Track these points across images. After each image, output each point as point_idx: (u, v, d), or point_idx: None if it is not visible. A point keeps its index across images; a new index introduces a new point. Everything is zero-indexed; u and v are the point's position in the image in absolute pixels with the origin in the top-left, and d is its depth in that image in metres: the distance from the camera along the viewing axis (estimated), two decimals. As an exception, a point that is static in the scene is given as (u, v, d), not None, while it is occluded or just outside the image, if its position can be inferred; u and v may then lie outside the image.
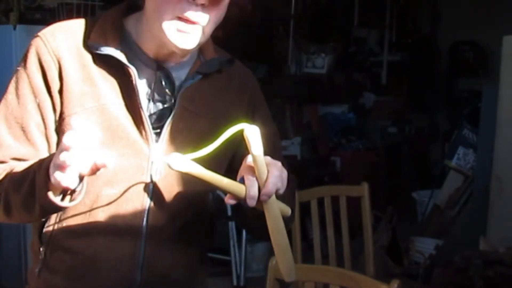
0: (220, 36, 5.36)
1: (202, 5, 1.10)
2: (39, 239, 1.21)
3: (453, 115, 5.50)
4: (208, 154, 1.06)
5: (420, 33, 6.30)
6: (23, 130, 1.15)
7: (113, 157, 1.03)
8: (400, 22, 6.11)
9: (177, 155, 1.02)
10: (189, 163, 1.03)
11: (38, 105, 1.15)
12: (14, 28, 3.08)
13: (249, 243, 3.73)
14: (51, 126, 1.16)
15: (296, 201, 1.35)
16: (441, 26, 6.28)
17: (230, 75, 1.27)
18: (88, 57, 1.16)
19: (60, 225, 1.18)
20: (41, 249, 1.21)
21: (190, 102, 1.21)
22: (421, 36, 6.28)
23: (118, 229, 1.17)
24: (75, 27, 1.19)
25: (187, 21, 1.11)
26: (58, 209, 1.08)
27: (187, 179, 1.16)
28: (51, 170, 1.01)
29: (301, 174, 4.28)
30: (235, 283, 3.66)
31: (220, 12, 1.14)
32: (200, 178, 1.05)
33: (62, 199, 1.05)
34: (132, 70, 1.15)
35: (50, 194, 1.03)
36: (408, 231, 3.93)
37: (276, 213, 1.08)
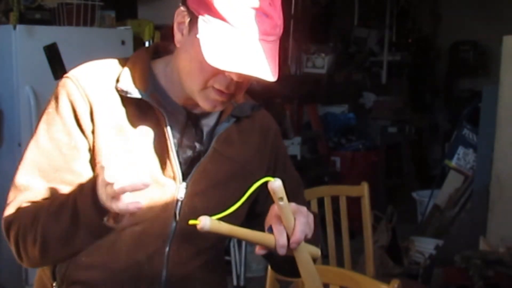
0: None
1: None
2: (52, 275, 1.21)
3: (453, 115, 5.51)
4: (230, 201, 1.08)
5: (420, 33, 6.30)
6: (58, 173, 1.14)
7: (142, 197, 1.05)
8: (400, 22, 6.11)
9: (205, 218, 1.00)
10: (217, 223, 1.02)
11: (74, 147, 1.14)
12: (14, 28, 3.08)
13: (249, 243, 3.73)
14: (86, 165, 1.16)
15: (320, 236, 1.35)
16: (441, 26, 6.28)
17: (253, 119, 1.29)
18: (117, 100, 1.16)
19: (78, 259, 1.17)
20: (53, 284, 1.20)
21: (222, 145, 1.23)
22: (421, 36, 6.29)
23: (140, 263, 1.18)
24: (104, 69, 1.19)
25: (221, 92, 1.12)
26: (105, 232, 1.09)
27: None
28: (105, 200, 1.01)
29: (301, 174, 4.28)
30: (235, 283, 3.66)
31: (251, 79, 1.14)
32: (230, 235, 1.05)
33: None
34: (164, 115, 1.15)
35: (96, 216, 1.04)
36: (408, 231, 3.93)
37: (306, 257, 1.10)
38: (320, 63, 5.20)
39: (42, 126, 1.16)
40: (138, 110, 1.16)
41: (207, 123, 1.23)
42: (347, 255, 2.45)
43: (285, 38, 5.17)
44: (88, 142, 1.15)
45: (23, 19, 3.15)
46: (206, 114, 1.22)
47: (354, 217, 2.57)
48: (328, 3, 5.61)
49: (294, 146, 4.52)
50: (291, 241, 1.04)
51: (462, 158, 4.24)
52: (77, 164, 1.15)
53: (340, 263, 2.42)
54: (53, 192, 1.14)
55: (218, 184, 1.22)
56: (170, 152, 1.16)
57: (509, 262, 2.71)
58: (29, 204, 1.14)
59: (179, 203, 1.19)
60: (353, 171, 4.82)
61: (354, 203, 2.49)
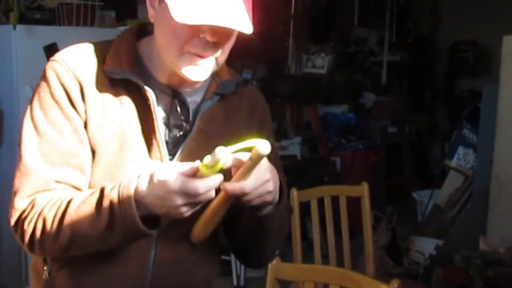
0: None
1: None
2: (43, 259, 1.21)
3: (453, 115, 5.51)
4: None
5: (420, 33, 6.30)
6: (63, 157, 1.13)
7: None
8: (400, 22, 6.11)
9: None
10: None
11: (75, 129, 1.14)
12: (14, 28, 3.08)
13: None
14: (88, 146, 1.15)
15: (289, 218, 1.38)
16: (441, 26, 6.28)
17: (240, 95, 1.28)
18: (105, 81, 1.15)
19: None
20: (44, 268, 1.20)
21: (207, 123, 1.22)
22: (421, 36, 6.29)
23: (128, 248, 1.18)
24: (90, 51, 1.19)
25: (199, 55, 1.11)
26: (144, 237, 1.10)
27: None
28: (173, 209, 1.03)
29: (301, 174, 4.29)
30: (235, 283, 3.66)
31: (232, 41, 1.14)
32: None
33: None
34: (150, 94, 1.15)
35: (140, 224, 1.05)
36: (408, 231, 3.93)
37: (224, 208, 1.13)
38: (320, 63, 5.20)
39: (37, 112, 1.14)
40: (125, 91, 1.16)
41: (194, 100, 1.23)
42: (347, 255, 2.45)
43: (285, 38, 5.17)
44: (83, 121, 1.15)
45: (23, 19, 3.15)
46: (192, 93, 1.22)
47: (354, 217, 2.57)
48: (328, 3, 5.60)
49: (294, 146, 4.52)
50: (239, 186, 1.06)
51: (462, 158, 4.24)
52: (81, 147, 1.14)
53: (340, 263, 2.42)
54: (63, 177, 1.13)
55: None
56: (157, 133, 1.16)
57: (509, 262, 2.71)
58: (44, 195, 1.12)
59: None
60: (353, 171, 4.82)
61: (354, 203, 2.49)
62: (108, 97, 1.15)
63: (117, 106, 1.15)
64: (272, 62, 4.98)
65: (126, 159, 1.15)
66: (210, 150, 1.18)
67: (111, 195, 1.07)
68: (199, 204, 1.05)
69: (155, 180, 1.03)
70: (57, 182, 1.13)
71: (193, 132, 1.20)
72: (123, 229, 1.06)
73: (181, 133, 1.21)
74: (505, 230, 3.12)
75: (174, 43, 1.10)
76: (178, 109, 1.20)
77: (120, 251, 1.17)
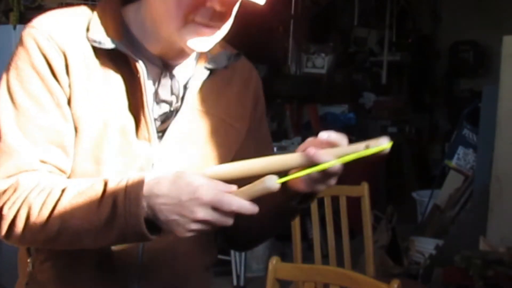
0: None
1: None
2: (27, 251, 1.14)
3: (453, 115, 5.50)
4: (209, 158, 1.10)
5: (420, 33, 6.30)
6: (44, 132, 1.01)
7: (111, 160, 1.02)
8: (400, 22, 6.12)
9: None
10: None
11: (58, 104, 1.02)
12: (14, 28, 3.08)
13: (249, 243, 3.72)
14: (71, 123, 1.03)
15: None
16: (441, 26, 6.28)
17: (233, 69, 1.17)
18: (89, 51, 1.04)
19: None
20: (28, 260, 1.14)
21: (197, 100, 1.12)
22: (421, 36, 6.29)
23: None
24: (72, 17, 1.06)
25: (206, 26, 1.01)
26: (143, 240, 0.98)
27: None
28: (189, 217, 0.92)
29: (301, 174, 4.28)
30: (235, 283, 3.66)
31: (233, 14, 1.06)
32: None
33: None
34: (141, 67, 1.03)
35: (144, 226, 0.94)
36: (408, 231, 3.93)
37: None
38: (320, 63, 5.20)
39: (14, 82, 1.01)
40: (111, 62, 1.04)
41: (184, 75, 1.12)
42: (347, 255, 2.45)
43: (285, 38, 5.17)
44: (67, 97, 1.02)
45: (23, 19, 3.15)
46: (182, 66, 1.11)
47: (354, 217, 2.57)
48: (328, 3, 5.61)
49: (294, 146, 4.51)
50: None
51: (462, 158, 4.24)
52: (64, 124, 1.02)
53: (340, 263, 2.42)
54: (47, 156, 1.01)
55: (197, 142, 1.12)
56: (146, 110, 1.05)
57: (509, 262, 2.71)
58: (28, 177, 0.99)
59: (153, 167, 1.08)
60: (353, 171, 4.81)
61: (354, 203, 2.49)
62: (93, 68, 1.03)
63: (102, 79, 1.04)
64: (272, 62, 4.98)
65: (111, 138, 1.04)
66: (202, 128, 1.12)
67: (117, 189, 0.95)
68: (212, 226, 0.93)
69: (183, 182, 0.92)
70: (42, 162, 1.00)
71: (183, 109, 1.09)
72: (122, 229, 0.95)
73: (171, 109, 1.10)
74: (505, 230, 3.12)
75: (177, 12, 0.99)
76: (169, 83, 1.09)
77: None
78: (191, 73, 1.12)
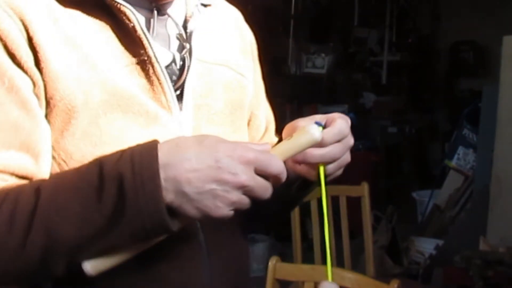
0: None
1: None
2: None
3: (453, 115, 5.50)
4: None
5: (420, 33, 6.30)
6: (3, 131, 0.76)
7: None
8: (400, 22, 6.11)
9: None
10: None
11: (14, 91, 0.76)
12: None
13: (249, 243, 3.72)
14: (38, 113, 0.77)
15: None
16: (441, 26, 6.28)
17: (216, 8, 0.99)
18: (57, 7, 0.80)
19: None
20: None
21: (201, 50, 0.91)
22: (421, 36, 6.28)
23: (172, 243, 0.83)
24: None
25: None
26: (164, 233, 0.72)
27: None
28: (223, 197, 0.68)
29: (301, 174, 4.28)
30: (235, 283, 3.66)
31: None
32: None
33: None
34: (133, 13, 0.81)
35: (165, 211, 0.68)
36: (408, 231, 3.93)
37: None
38: (320, 63, 5.20)
39: None
40: (93, 14, 0.82)
41: (179, 16, 0.91)
42: (347, 255, 2.45)
43: (285, 38, 5.17)
44: (34, 80, 0.76)
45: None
46: (173, 6, 0.89)
47: (354, 217, 2.57)
48: (328, 3, 5.61)
49: (294, 146, 4.51)
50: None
51: (462, 158, 4.24)
52: (25, 116, 0.76)
53: (340, 263, 2.42)
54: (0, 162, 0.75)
55: (218, 102, 0.91)
56: (157, 67, 0.82)
57: (509, 262, 2.71)
58: None
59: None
60: (353, 171, 4.81)
61: (354, 203, 2.49)
62: (68, 27, 0.79)
63: (86, 39, 0.80)
64: (272, 62, 4.98)
65: (119, 111, 0.79)
66: (218, 84, 0.92)
67: (119, 167, 0.68)
68: (252, 197, 0.70)
69: (213, 140, 0.70)
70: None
71: (192, 65, 0.88)
72: (135, 221, 0.68)
73: (180, 63, 0.87)
74: (505, 230, 3.12)
75: None
76: (165, 32, 0.88)
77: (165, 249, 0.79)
78: (184, 14, 0.92)
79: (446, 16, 6.21)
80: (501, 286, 2.63)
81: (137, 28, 0.82)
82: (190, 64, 0.88)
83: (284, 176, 0.72)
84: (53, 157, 0.80)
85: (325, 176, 0.84)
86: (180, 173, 0.68)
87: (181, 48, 0.90)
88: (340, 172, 0.91)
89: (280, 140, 0.92)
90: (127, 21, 0.82)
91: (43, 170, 0.78)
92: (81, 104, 0.77)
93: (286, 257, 2.58)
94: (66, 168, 0.79)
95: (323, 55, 5.19)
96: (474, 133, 4.09)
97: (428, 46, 6.24)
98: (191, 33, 0.90)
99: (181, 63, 0.88)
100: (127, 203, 0.68)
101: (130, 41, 0.83)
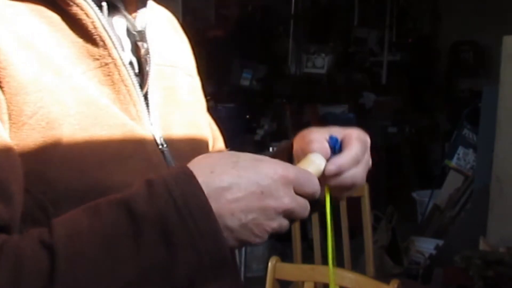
0: (221, 36, 5.40)
1: None
2: None
3: (453, 115, 5.50)
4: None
5: (420, 33, 6.30)
6: None
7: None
8: (400, 22, 6.12)
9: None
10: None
11: None
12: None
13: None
14: (6, 142, 0.62)
15: None
16: (441, 26, 6.28)
17: (158, 15, 0.89)
18: (11, 12, 0.67)
19: None
20: None
21: (156, 51, 0.80)
22: (421, 36, 6.29)
23: None
24: None
25: None
26: (222, 268, 0.61)
27: None
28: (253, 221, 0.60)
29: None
30: (235, 283, 3.66)
31: None
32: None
33: None
34: (91, 7, 0.69)
35: (227, 249, 0.60)
36: (408, 231, 3.93)
37: None
38: (320, 63, 5.20)
39: None
40: (42, 12, 0.68)
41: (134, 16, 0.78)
42: (347, 255, 2.45)
43: (285, 38, 5.17)
44: None
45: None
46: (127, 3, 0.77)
47: (354, 217, 2.57)
48: (328, 3, 5.61)
49: (294, 146, 4.51)
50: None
51: (462, 158, 4.24)
52: None
53: (340, 263, 2.42)
54: None
55: (180, 108, 0.83)
56: (123, 73, 0.71)
57: (509, 262, 2.71)
58: None
59: (167, 156, 0.75)
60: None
61: (354, 203, 2.49)
62: (21, 31, 0.66)
63: (42, 41, 0.66)
64: (272, 62, 4.98)
65: (101, 128, 0.67)
66: (179, 88, 0.84)
67: (156, 207, 0.57)
68: (293, 219, 0.65)
69: (248, 158, 0.62)
70: None
71: (152, 67, 0.77)
72: (190, 264, 0.58)
73: (136, 63, 0.76)
74: (505, 230, 3.12)
75: None
76: (115, 27, 0.74)
77: None
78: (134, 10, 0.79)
79: (446, 16, 6.21)
80: (501, 286, 2.63)
81: (98, 25, 0.69)
82: (150, 67, 0.77)
83: (317, 194, 0.66)
84: (27, 191, 0.62)
85: (331, 199, 0.78)
86: (221, 206, 0.59)
87: (134, 49, 0.76)
88: (352, 193, 0.84)
89: (287, 148, 0.86)
90: (85, 17, 0.69)
91: (16, 214, 0.61)
92: (57, 119, 0.64)
93: (286, 257, 2.58)
94: (47, 203, 0.62)
95: (323, 55, 5.19)
96: (474, 133, 4.10)
97: (428, 46, 6.24)
98: (143, 31, 0.77)
99: (138, 66, 0.77)
100: (178, 248, 0.57)
101: (89, 41, 0.70)
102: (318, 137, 0.75)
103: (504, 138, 3.22)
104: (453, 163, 4.28)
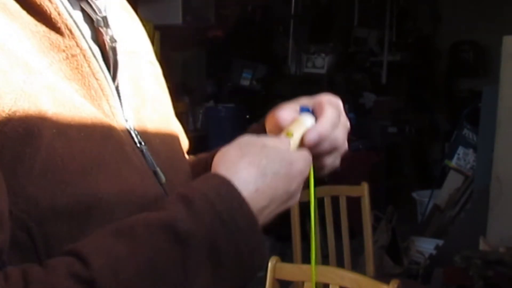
0: (221, 36, 5.39)
1: None
2: None
3: (453, 115, 5.51)
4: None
5: (420, 33, 6.30)
6: None
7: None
8: (400, 22, 6.12)
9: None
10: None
11: None
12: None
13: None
14: None
15: None
16: (441, 26, 6.28)
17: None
18: None
19: None
20: None
21: (117, 33, 0.72)
22: (421, 36, 6.29)
23: None
24: None
25: None
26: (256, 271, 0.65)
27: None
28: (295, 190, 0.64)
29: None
30: (235, 283, 3.65)
31: None
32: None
33: None
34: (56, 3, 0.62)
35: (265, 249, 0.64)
36: (408, 231, 3.93)
37: None
38: (320, 63, 5.20)
39: None
40: (3, 2, 0.60)
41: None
42: (347, 255, 2.45)
43: (285, 38, 5.17)
44: None
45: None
46: None
47: (354, 217, 2.57)
48: (328, 3, 5.61)
49: (294, 146, 4.51)
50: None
51: (462, 158, 4.25)
52: None
53: (340, 263, 2.42)
54: None
55: (149, 100, 0.77)
56: (94, 64, 0.64)
57: (509, 262, 2.71)
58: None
59: (143, 151, 0.69)
60: (353, 171, 4.82)
61: (354, 203, 2.49)
62: None
63: (10, 39, 0.58)
64: (272, 62, 4.98)
65: (78, 131, 0.60)
66: (144, 76, 0.78)
67: (203, 229, 0.55)
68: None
69: (277, 169, 0.61)
70: None
71: (118, 50, 0.69)
72: (236, 275, 0.58)
73: (99, 52, 0.68)
74: (505, 230, 3.12)
75: None
76: (93, 13, 0.67)
77: None
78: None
79: (446, 16, 6.22)
80: (501, 286, 2.63)
81: (62, 10, 0.61)
82: (117, 56, 0.69)
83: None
84: (9, 211, 0.55)
85: (315, 173, 0.79)
86: (261, 220, 0.62)
87: (95, 36, 0.68)
88: (338, 162, 0.84)
89: (258, 130, 0.82)
90: (47, 2, 0.61)
91: (7, 238, 0.54)
92: (36, 124, 0.56)
93: (286, 257, 2.58)
94: (30, 223, 0.55)
95: (323, 55, 5.19)
96: (474, 133, 4.10)
97: (428, 46, 6.24)
98: (106, 17, 0.69)
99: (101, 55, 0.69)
100: (225, 266, 0.56)
101: (52, 29, 0.61)
102: (288, 111, 0.74)
103: (504, 138, 3.22)
104: (453, 163, 4.28)
